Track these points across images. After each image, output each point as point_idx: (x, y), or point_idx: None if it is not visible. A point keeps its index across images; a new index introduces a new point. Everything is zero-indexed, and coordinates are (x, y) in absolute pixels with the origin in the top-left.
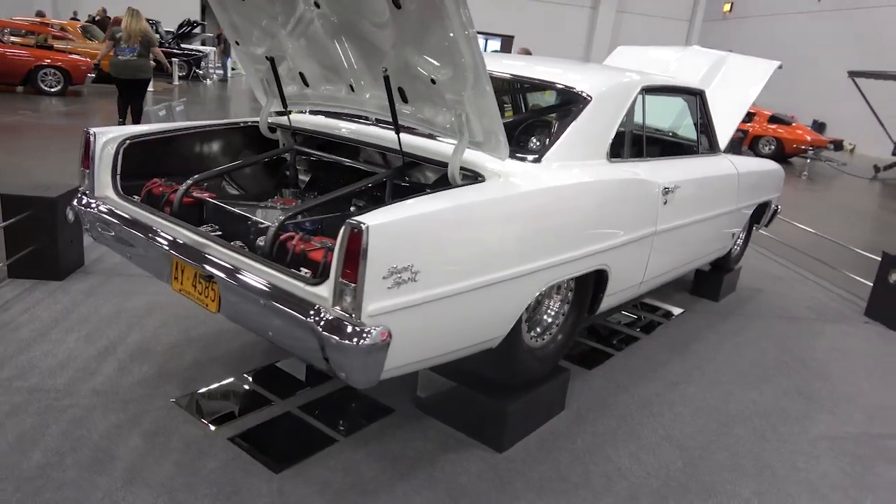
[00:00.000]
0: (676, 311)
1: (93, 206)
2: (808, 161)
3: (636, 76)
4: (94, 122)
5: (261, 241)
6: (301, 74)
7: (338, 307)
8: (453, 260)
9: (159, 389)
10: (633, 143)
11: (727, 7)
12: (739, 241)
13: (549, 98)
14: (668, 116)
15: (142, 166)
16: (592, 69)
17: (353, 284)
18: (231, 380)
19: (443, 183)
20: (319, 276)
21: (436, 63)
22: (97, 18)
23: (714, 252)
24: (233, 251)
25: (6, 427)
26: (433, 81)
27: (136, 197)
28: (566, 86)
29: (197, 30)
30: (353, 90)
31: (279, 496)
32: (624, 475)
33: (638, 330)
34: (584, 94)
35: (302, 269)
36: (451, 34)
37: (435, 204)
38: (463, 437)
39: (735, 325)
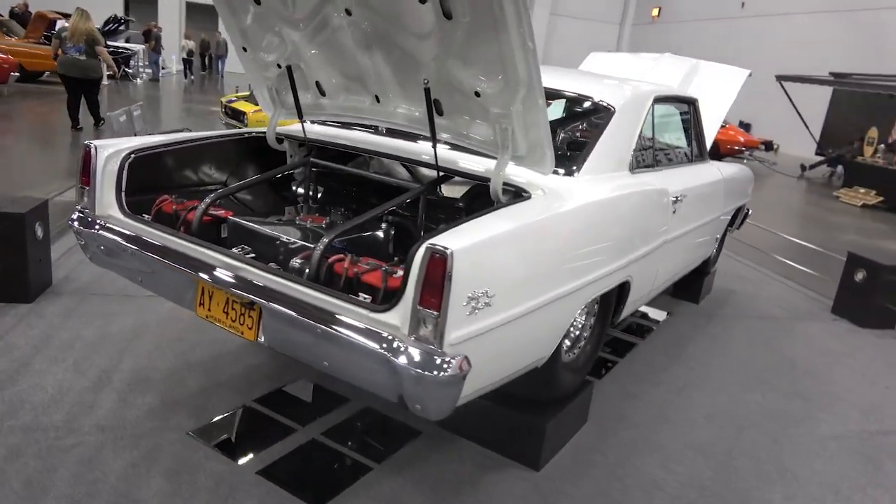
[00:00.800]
0: (653, 313)
1: (97, 226)
2: (745, 161)
3: (648, 86)
4: (19, 125)
5: (296, 263)
6: (317, 83)
7: (414, 336)
8: (520, 281)
9: (169, 421)
10: (647, 153)
11: (655, 12)
12: (716, 244)
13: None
14: (668, 125)
15: (144, 181)
16: (607, 80)
17: (434, 312)
18: (242, 406)
19: (474, 197)
20: (382, 301)
21: (484, 76)
22: (17, 12)
23: (702, 256)
24: (279, 276)
25: (8, 473)
26: (477, 94)
27: (146, 216)
28: (589, 97)
29: (123, 26)
30: (378, 101)
31: None
32: (660, 487)
33: (622, 332)
34: (607, 106)
35: (361, 294)
36: (508, 47)
37: (504, 224)
38: (496, 457)
39: (719, 327)
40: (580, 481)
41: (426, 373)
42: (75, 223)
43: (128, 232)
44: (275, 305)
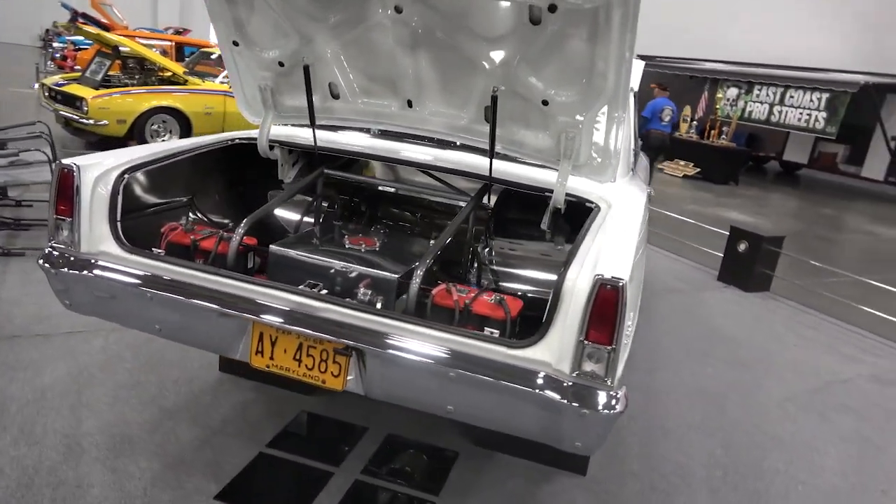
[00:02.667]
0: None
1: (95, 269)
2: None
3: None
4: None
5: (364, 296)
6: (331, 85)
7: (577, 373)
8: (635, 299)
9: (185, 486)
10: (632, 152)
11: None
12: None
13: None
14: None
15: (131, 205)
16: None
17: (605, 347)
18: (259, 454)
19: (501, 204)
20: (511, 335)
21: (561, 84)
22: None
23: None
24: (386, 316)
25: None
26: (545, 103)
27: (157, 250)
28: None
29: None
30: (410, 106)
31: None
32: (691, 472)
33: None
34: None
35: (486, 328)
36: (603, 56)
37: (628, 243)
38: (540, 467)
39: (643, 302)
40: (625, 480)
41: (600, 411)
42: (50, 265)
43: (141, 272)
44: (390, 351)
